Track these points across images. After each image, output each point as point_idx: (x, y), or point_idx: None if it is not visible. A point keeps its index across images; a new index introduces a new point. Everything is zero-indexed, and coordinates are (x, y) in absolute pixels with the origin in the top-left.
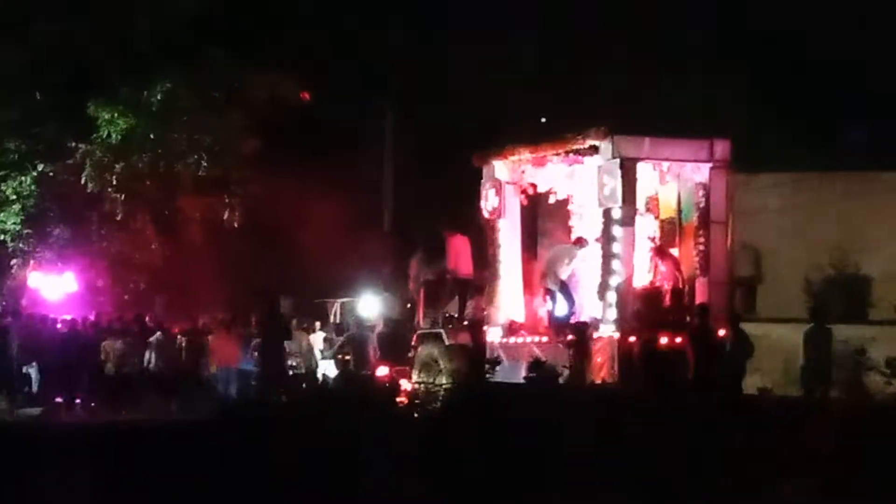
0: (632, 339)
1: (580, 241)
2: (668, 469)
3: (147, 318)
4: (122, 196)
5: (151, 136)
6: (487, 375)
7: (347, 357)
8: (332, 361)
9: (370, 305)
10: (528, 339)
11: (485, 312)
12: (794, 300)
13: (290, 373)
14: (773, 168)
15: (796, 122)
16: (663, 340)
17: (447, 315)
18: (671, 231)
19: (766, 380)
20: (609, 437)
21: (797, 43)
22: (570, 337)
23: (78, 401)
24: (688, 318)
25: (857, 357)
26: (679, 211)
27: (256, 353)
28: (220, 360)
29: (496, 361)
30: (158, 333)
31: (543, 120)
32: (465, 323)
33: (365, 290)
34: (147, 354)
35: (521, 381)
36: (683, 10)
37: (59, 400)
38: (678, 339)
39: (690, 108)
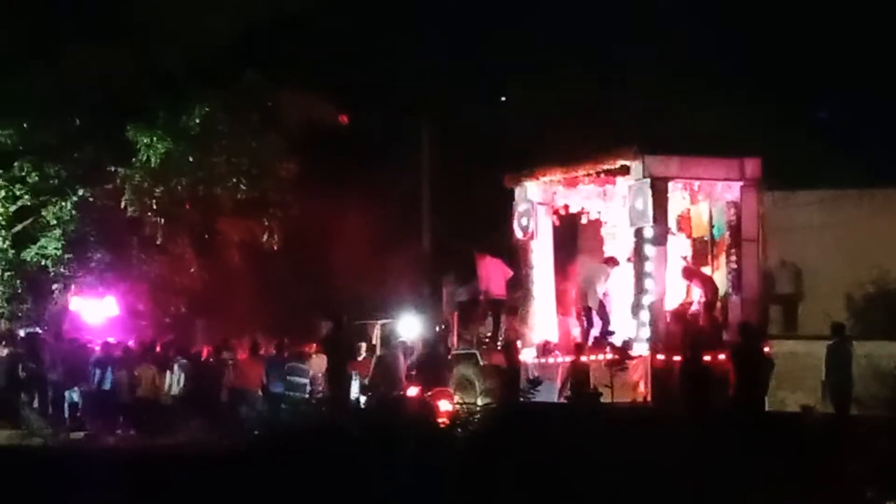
0: (673, 357)
1: (612, 261)
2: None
3: (172, 343)
4: (162, 220)
5: (190, 160)
6: (530, 395)
7: (376, 379)
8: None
9: (409, 326)
10: (562, 359)
11: (518, 333)
12: (835, 317)
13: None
14: (812, 185)
15: (835, 139)
16: (705, 359)
17: (481, 336)
18: (703, 249)
19: (809, 397)
20: (652, 456)
21: (838, 60)
22: (610, 356)
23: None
24: (722, 337)
25: None
26: (711, 229)
27: (290, 377)
28: (244, 383)
29: (538, 381)
30: (181, 358)
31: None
32: (499, 343)
33: (404, 310)
34: (169, 379)
35: (562, 400)
36: (719, 27)
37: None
38: (720, 358)
39: (726, 126)
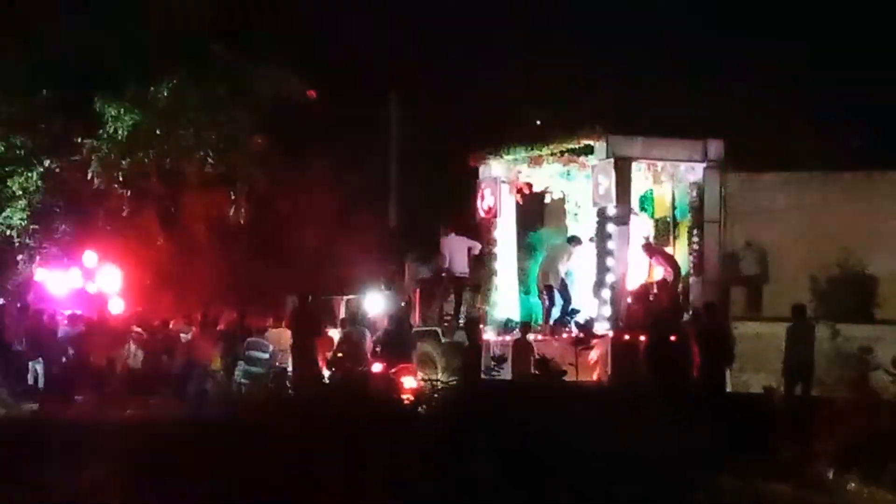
0: (635, 337)
1: (575, 240)
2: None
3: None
4: (129, 192)
5: (158, 133)
6: (494, 373)
7: (340, 355)
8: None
9: (374, 303)
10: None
11: (480, 310)
12: (799, 299)
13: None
14: (778, 167)
15: (802, 122)
16: (669, 338)
17: (443, 313)
18: (665, 230)
19: (772, 379)
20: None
21: (804, 41)
22: (575, 334)
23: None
24: (682, 316)
25: (863, 356)
26: (673, 210)
27: (249, 351)
28: (196, 356)
29: (502, 359)
30: (137, 329)
31: (539, 122)
32: (461, 321)
33: (370, 287)
34: (126, 351)
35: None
36: (688, 8)
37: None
38: (676, 337)
39: (691, 108)
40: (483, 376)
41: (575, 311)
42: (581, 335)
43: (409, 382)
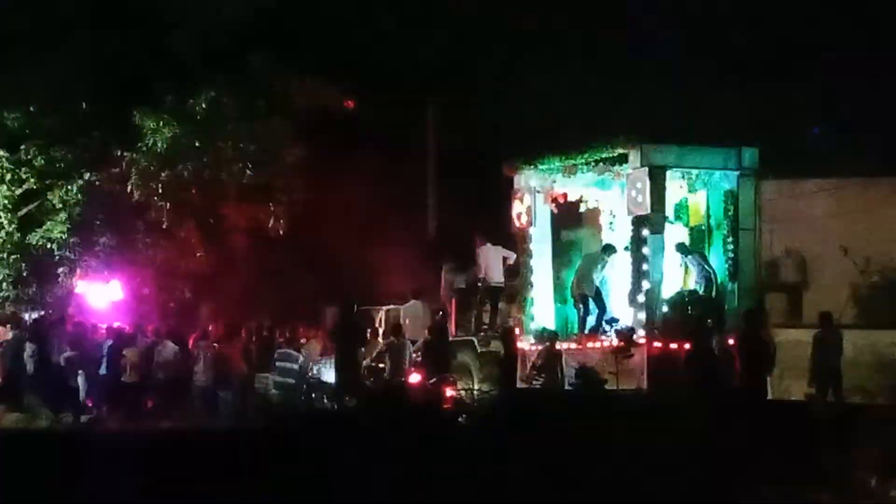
0: (670, 345)
1: (609, 249)
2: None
3: (157, 328)
4: (168, 204)
5: (196, 145)
6: (534, 382)
7: (381, 365)
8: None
9: (412, 313)
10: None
11: (516, 320)
12: (839, 306)
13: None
14: (818, 174)
15: (842, 128)
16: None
17: (479, 323)
18: (700, 238)
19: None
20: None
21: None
22: (615, 343)
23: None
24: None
25: None
26: (708, 218)
27: (280, 363)
28: (223, 368)
29: (543, 368)
30: (168, 342)
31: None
32: (497, 331)
33: (408, 297)
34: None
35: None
36: (726, 13)
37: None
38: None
39: (730, 115)
40: (523, 385)
41: (615, 320)
42: (622, 343)
43: (448, 392)
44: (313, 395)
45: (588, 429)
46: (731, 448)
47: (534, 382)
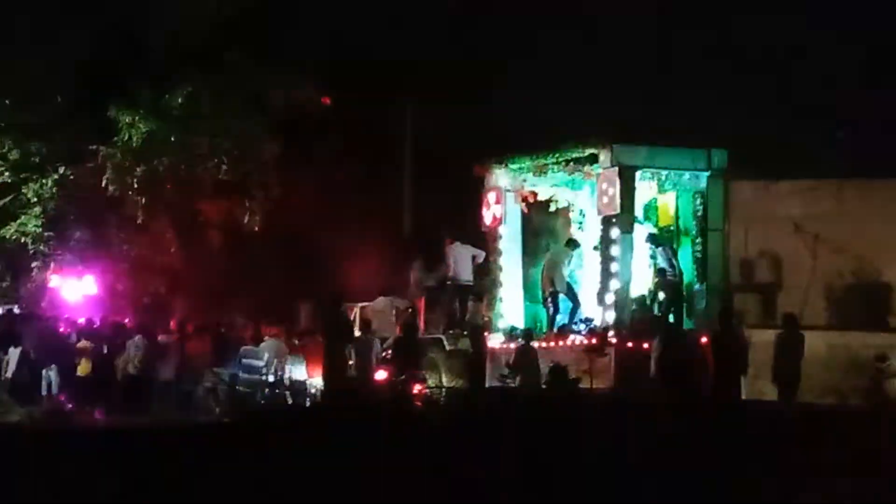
0: (641, 344)
1: (572, 243)
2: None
3: (125, 322)
4: (143, 199)
5: (172, 140)
6: (508, 381)
7: (351, 362)
8: None
9: (383, 310)
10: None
11: (485, 318)
12: (813, 307)
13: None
14: (792, 175)
15: (816, 129)
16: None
17: (448, 321)
18: (669, 239)
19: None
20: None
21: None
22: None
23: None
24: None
25: (877, 364)
26: (677, 219)
27: (244, 360)
28: (189, 364)
29: (517, 367)
30: (138, 337)
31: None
32: (466, 329)
33: (381, 294)
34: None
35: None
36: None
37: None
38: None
39: (705, 116)
40: (497, 383)
41: (589, 320)
42: (596, 342)
43: (416, 389)
44: (276, 392)
45: (560, 427)
46: (703, 448)
47: (507, 381)
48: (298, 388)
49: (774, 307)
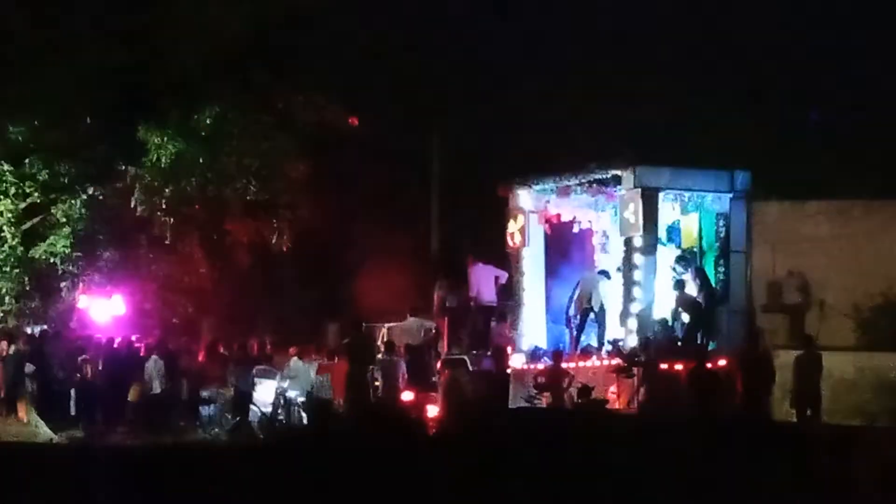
0: (661, 366)
1: (604, 274)
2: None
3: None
4: (171, 220)
5: (200, 160)
6: (536, 401)
7: (377, 383)
8: None
9: (411, 330)
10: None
11: (508, 339)
12: (843, 328)
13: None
14: (821, 196)
15: (844, 151)
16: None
17: (471, 342)
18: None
19: None
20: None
21: (848, 71)
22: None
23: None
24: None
25: None
26: (700, 240)
27: (258, 378)
28: (203, 383)
29: (544, 387)
30: (154, 357)
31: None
32: (489, 349)
33: (408, 315)
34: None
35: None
36: (726, 36)
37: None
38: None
39: (732, 138)
40: (524, 403)
41: (617, 340)
42: (624, 363)
43: (431, 411)
44: (291, 411)
45: (588, 448)
46: (733, 467)
47: (535, 401)
48: (318, 407)
49: (802, 328)
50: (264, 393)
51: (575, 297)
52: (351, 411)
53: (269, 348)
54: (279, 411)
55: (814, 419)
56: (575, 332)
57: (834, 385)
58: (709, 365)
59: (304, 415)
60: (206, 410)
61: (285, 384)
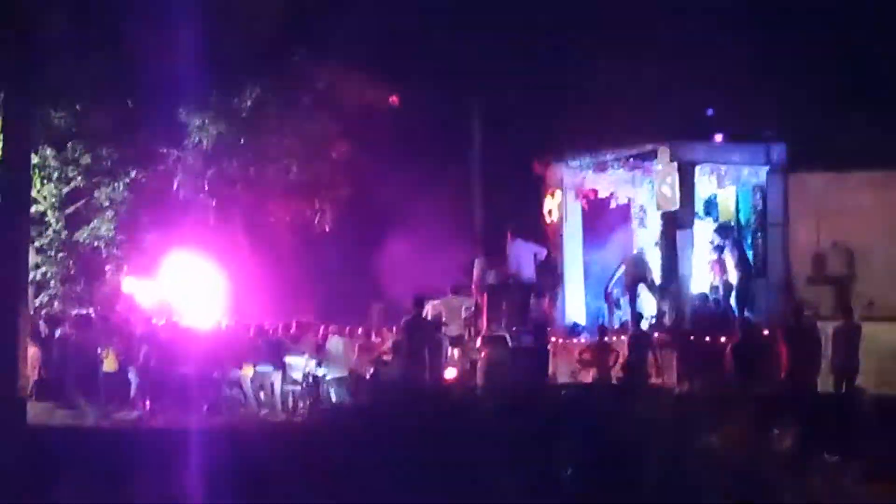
0: (703, 339)
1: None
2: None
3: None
4: (214, 202)
5: (241, 142)
6: (579, 377)
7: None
8: None
9: (455, 308)
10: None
11: (548, 315)
12: (888, 299)
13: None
14: (865, 166)
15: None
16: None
17: (511, 318)
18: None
19: (860, 380)
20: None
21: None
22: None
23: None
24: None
25: None
26: (737, 213)
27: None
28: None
29: (588, 362)
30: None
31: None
32: (529, 326)
33: (454, 292)
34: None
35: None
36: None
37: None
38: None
39: (775, 108)
40: (568, 380)
41: (655, 316)
42: (662, 338)
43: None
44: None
45: (631, 424)
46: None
47: (579, 377)
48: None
49: (847, 299)
50: (291, 372)
51: (617, 275)
52: (408, 387)
53: (294, 329)
54: (305, 390)
55: (850, 389)
56: (612, 308)
57: (880, 356)
58: (752, 339)
59: (332, 393)
60: (228, 391)
61: (313, 363)
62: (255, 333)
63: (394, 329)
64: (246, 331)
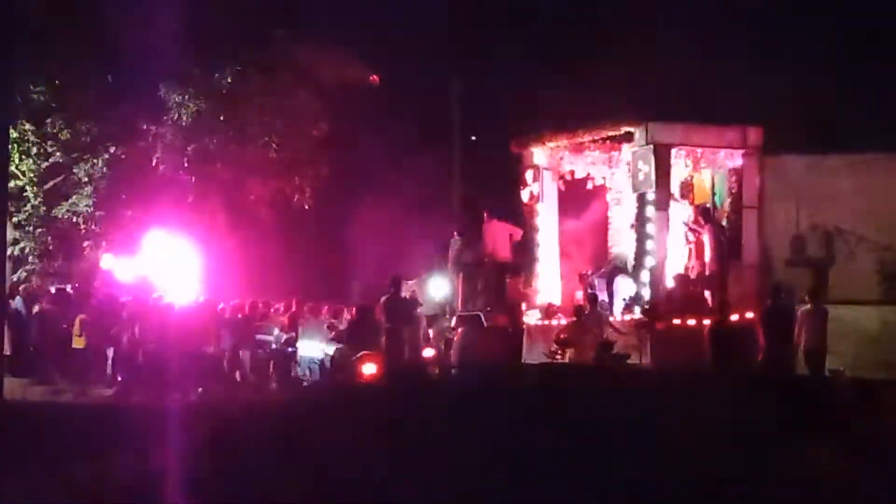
0: (674, 321)
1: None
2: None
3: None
4: (193, 179)
5: (221, 119)
6: (557, 357)
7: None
8: None
9: (435, 288)
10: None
11: (522, 295)
12: (866, 282)
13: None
14: (844, 149)
15: (869, 102)
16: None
17: (485, 298)
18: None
19: (838, 362)
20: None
21: (869, 18)
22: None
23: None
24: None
25: None
26: (713, 196)
27: (257, 335)
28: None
29: (566, 342)
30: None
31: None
32: (503, 306)
33: (433, 272)
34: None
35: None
36: None
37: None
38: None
39: (750, 92)
40: (545, 359)
41: (637, 297)
42: (646, 319)
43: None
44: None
45: (606, 405)
46: (753, 421)
47: (557, 357)
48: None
49: (825, 283)
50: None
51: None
52: (390, 370)
53: (261, 307)
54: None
55: (817, 373)
56: (589, 289)
57: (858, 339)
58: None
59: (309, 371)
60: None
61: (282, 340)
62: (231, 311)
63: (353, 310)
64: (221, 309)
